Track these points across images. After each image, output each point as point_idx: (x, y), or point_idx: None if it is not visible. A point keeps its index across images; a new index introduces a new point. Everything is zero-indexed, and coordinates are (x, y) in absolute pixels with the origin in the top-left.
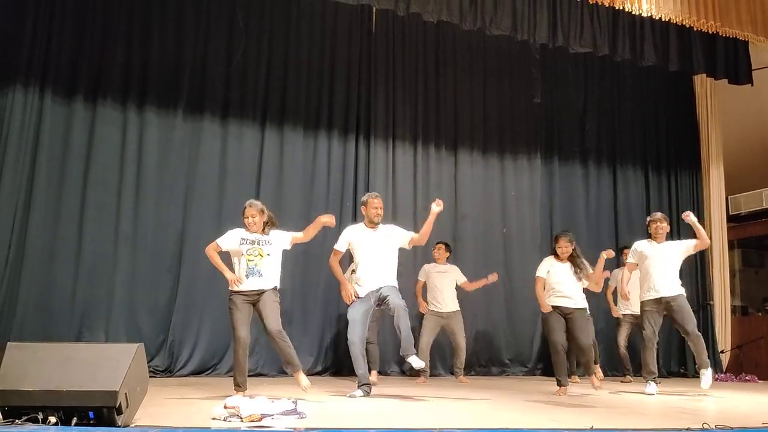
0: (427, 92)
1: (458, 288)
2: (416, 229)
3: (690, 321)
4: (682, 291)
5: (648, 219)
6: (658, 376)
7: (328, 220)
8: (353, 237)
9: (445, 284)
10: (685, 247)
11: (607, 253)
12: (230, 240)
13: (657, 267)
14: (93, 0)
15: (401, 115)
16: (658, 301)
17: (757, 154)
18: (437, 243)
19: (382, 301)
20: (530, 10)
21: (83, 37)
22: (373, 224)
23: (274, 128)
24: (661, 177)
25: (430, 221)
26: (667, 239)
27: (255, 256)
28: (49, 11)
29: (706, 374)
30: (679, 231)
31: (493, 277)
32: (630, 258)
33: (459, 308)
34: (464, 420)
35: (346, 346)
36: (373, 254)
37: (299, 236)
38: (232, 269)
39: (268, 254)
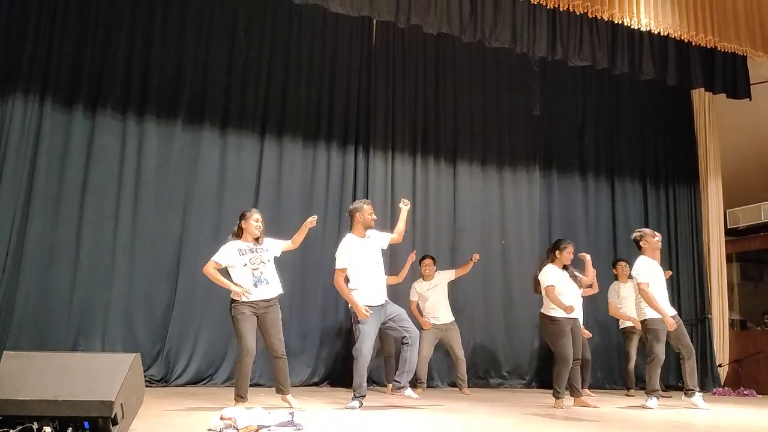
0: (427, 104)
1: (455, 298)
2: (414, 241)
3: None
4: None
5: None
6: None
7: (310, 221)
8: (352, 251)
9: (439, 298)
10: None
11: (582, 256)
12: (228, 254)
13: (662, 284)
14: (94, 8)
15: (400, 127)
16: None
17: (755, 168)
18: (424, 258)
19: (390, 320)
20: (530, 23)
21: (84, 45)
22: (364, 233)
23: (274, 139)
24: (659, 190)
25: (402, 219)
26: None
27: (259, 264)
28: (50, 19)
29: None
30: (677, 246)
31: (475, 257)
32: (644, 278)
33: (454, 319)
34: None
35: (344, 356)
36: (370, 265)
37: (289, 244)
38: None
39: (268, 260)
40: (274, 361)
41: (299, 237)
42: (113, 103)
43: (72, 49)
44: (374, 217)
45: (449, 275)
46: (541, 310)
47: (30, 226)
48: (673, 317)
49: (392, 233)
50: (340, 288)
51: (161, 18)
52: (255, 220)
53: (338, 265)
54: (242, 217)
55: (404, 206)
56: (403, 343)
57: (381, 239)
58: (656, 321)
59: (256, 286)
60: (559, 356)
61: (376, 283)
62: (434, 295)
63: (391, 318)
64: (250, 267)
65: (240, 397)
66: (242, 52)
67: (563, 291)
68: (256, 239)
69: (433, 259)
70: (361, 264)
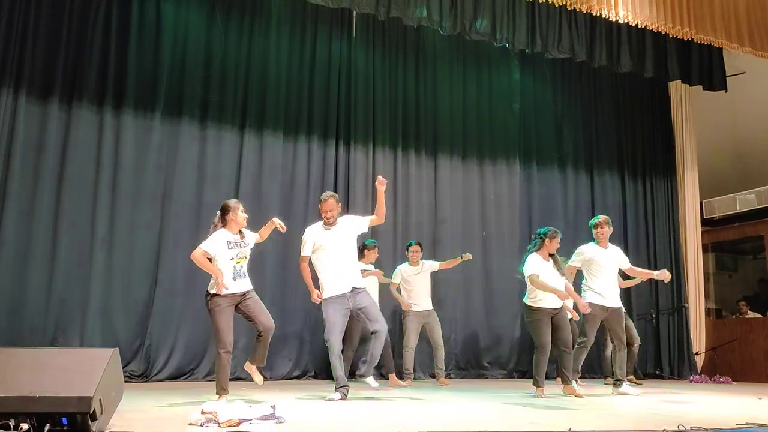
0: (407, 97)
1: (436, 290)
2: (395, 233)
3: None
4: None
5: (593, 222)
6: (637, 378)
7: (280, 224)
8: (316, 238)
9: (422, 284)
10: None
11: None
12: (218, 245)
13: (610, 272)
14: (69, 0)
15: (381, 119)
16: (604, 308)
17: (730, 159)
18: (414, 244)
19: (359, 310)
20: (509, 16)
21: (58, 37)
22: (328, 224)
23: (254, 131)
24: (637, 182)
25: (380, 200)
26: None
27: (241, 258)
28: (24, 10)
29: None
30: (655, 236)
31: (467, 256)
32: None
33: (433, 308)
34: (444, 423)
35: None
36: (336, 254)
37: (258, 237)
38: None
39: (248, 255)
40: (262, 338)
41: (266, 231)
42: (89, 96)
43: (46, 41)
44: (331, 214)
45: (434, 266)
46: (524, 300)
47: (5, 221)
48: (617, 308)
49: (372, 215)
50: (303, 273)
51: (138, 9)
52: (242, 211)
53: (302, 252)
54: (227, 209)
55: (380, 186)
56: (372, 334)
57: (359, 224)
58: (595, 307)
59: (234, 280)
60: (539, 345)
61: (342, 271)
62: (419, 282)
63: (360, 309)
64: (235, 260)
65: (222, 389)
66: (221, 43)
67: (547, 281)
68: (240, 232)
69: (420, 245)
70: (326, 254)
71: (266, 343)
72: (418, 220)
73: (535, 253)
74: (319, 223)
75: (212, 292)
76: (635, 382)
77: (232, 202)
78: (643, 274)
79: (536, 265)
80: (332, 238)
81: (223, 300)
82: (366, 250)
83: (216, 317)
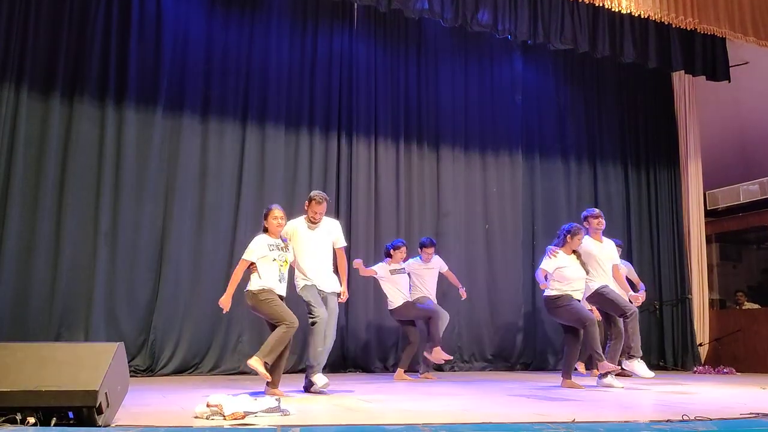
0: (409, 89)
1: (440, 283)
2: (398, 226)
3: None
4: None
5: (585, 215)
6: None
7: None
8: (296, 230)
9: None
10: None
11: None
12: (259, 249)
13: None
14: None
15: (383, 112)
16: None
17: (734, 149)
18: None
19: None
20: (511, 7)
21: (60, 31)
22: (312, 223)
23: (255, 125)
24: (640, 173)
25: (344, 277)
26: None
27: (283, 263)
28: (25, 5)
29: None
30: (658, 228)
31: (463, 294)
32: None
33: None
34: (448, 415)
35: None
36: (311, 252)
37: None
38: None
39: (291, 261)
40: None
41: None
42: (91, 91)
43: (48, 36)
44: (318, 216)
45: (444, 267)
46: (543, 295)
47: (8, 216)
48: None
49: (343, 244)
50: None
51: (139, 3)
52: (274, 218)
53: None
54: (265, 214)
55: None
56: (310, 325)
57: (334, 238)
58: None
59: (280, 282)
60: (581, 322)
61: (316, 271)
62: (430, 276)
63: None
64: (278, 262)
65: (268, 354)
66: (222, 37)
67: (579, 278)
68: (282, 238)
69: (434, 245)
70: (302, 249)
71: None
72: (421, 213)
73: (558, 249)
74: (302, 218)
75: (255, 289)
76: (627, 375)
77: (269, 209)
78: (622, 284)
79: (550, 264)
80: (311, 238)
81: (272, 294)
82: (393, 251)
83: (271, 306)
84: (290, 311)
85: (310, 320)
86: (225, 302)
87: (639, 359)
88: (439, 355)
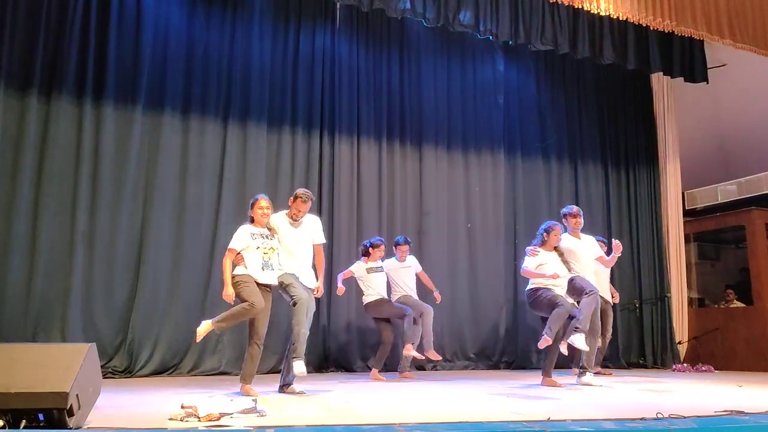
0: (392, 88)
1: (421, 282)
2: (380, 225)
3: None
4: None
5: (564, 212)
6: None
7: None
8: (278, 226)
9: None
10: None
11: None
12: (242, 239)
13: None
14: None
15: (366, 111)
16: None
17: (712, 150)
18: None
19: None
20: (492, 8)
21: (37, 29)
22: (294, 220)
23: (237, 124)
24: (620, 172)
25: (320, 273)
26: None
27: (269, 250)
28: (2, 1)
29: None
30: (638, 226)
31: (438, 298)
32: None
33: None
34: (425, 414)
35: (311, 340)
36: (291, 248)
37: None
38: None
39: (278, 249)
40: (253, 347)
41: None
42: (69, 88)
43: (24, 33)
44: (300, 214)
45: (419, 268)
46: (525, 290)
47: None
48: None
49: (322, 241)
50: None
51: (118, 1)
52: (259, 208)
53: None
54: (252, 204)
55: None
56: (292, 306)
57: (315, 236)
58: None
59: (263, 270)
60: (553, 305)
61: (294, 268)
62: (407, 274)
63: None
64: (262, 250)
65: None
66: (203, 34)
67: (552, 271)
68: (269, 228)
69: (408, 244)
70: (283, 244)
71: (256, 356)
72: (403, 212)
73: (537, 247)
74: (283, 213)
75: (238, 274)
76: (604, 374)
77: (255, 199)
78: (607, 262)
79: (532, 262)
80: (293, 234)
81: (251, 279)
82: (371, 248)
83: (243, 288)
84: (260, 297)
85: (292, 301)
86: (228, 294)
87: (581, 333)
88: (408, 352)
